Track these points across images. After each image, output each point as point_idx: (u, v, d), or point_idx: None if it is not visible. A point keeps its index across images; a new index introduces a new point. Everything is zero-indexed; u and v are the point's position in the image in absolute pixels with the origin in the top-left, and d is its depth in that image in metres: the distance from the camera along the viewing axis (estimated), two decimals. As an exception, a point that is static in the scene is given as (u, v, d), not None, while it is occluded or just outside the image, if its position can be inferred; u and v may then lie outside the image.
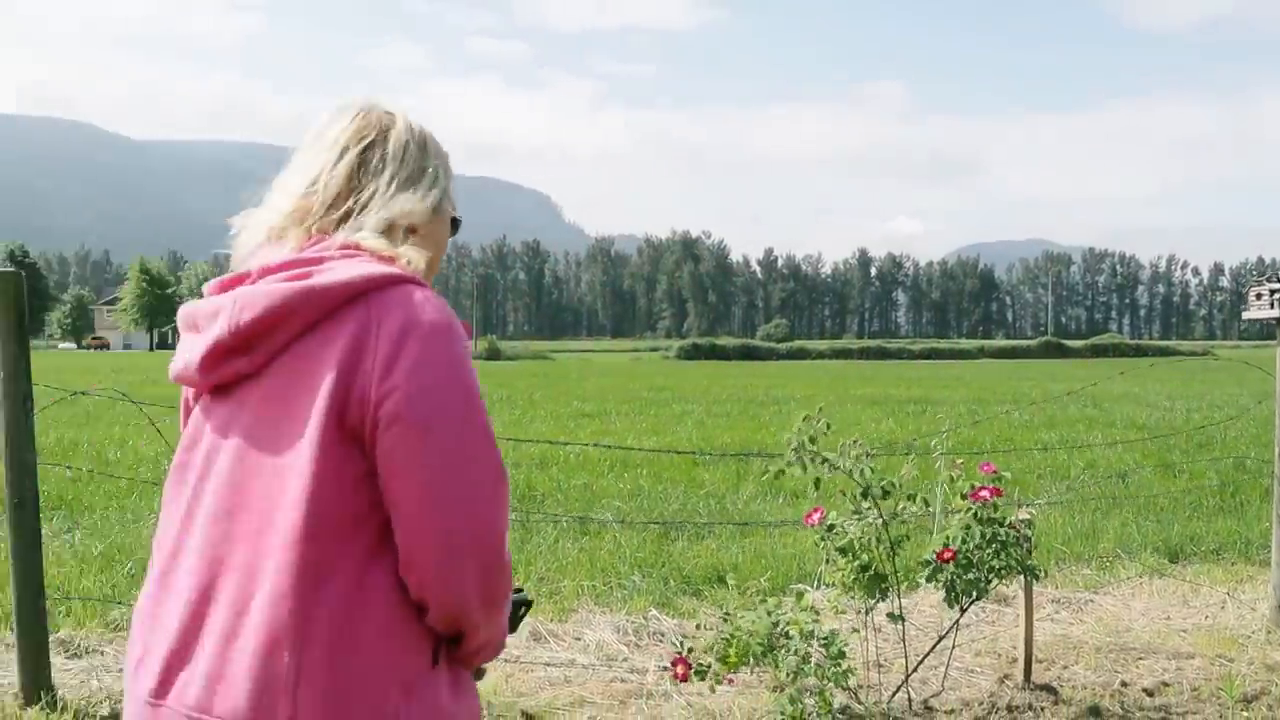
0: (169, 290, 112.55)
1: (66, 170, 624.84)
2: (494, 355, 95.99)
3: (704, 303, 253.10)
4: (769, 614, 3.95)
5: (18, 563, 3.92)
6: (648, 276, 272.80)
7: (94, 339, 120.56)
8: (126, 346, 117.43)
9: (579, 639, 5.04)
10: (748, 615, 4.08)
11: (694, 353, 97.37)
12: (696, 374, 43.89)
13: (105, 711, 3.93)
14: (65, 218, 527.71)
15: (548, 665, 4.61)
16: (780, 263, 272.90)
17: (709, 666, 3.90)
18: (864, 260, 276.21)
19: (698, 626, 4.30)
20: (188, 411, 1.57)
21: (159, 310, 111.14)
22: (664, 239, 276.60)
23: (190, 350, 1.48)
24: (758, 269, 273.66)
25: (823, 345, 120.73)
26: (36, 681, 3.93)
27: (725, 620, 4.00)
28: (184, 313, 1.53)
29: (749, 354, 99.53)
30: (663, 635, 5.13)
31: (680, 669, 3.83)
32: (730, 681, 3.96)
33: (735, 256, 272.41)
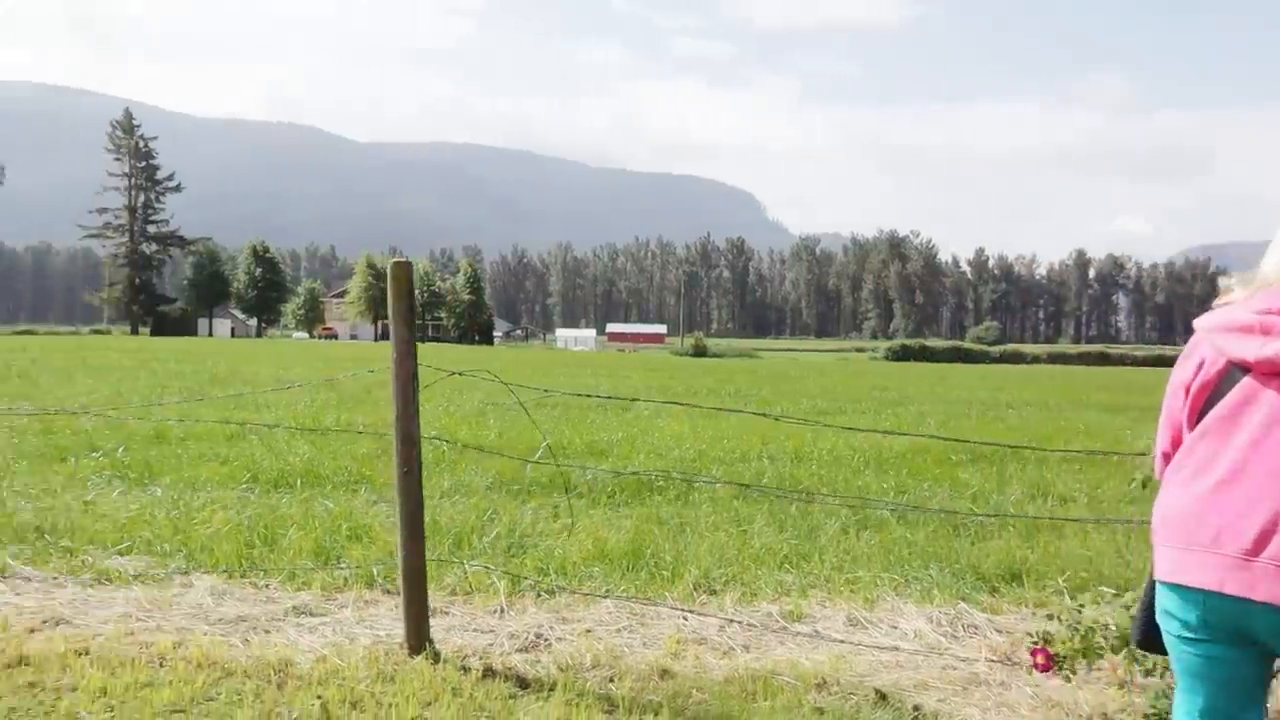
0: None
1: (298, 171, 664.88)
2: (700, 352, 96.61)
3: (911, 303, 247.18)
4: (1126, 609, 3.93)
5: (405, 526, 4.27)
6: (853, 275, 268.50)
7: (324, 329, 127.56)
8: (352, 337, 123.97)
9: (895, 627, 5.09)
10: (1098, 609, 4.05)
11: (902, 354, 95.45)
12: (914, 375, 42.97)
13: (475, 663, 4.23)
14: (296, 215, 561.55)
15: (873, 649, 4.69)
16: (991, 263, 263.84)
17: (1065, 658, 3.90)
18: (1081, 261, 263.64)
19: (1053, 619, 4.26)
20: (1186, 392, 2.35)
21: (382, 303, 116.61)
22: (870, 238, 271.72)
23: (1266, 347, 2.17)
24: (968, 269, 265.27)
25: (1038, 349, 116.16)
26: (419, 633, 4.28)
27: (1078, 612, 3.99)
28: (1236, 319, 2.25)
29: (960, 356, 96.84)
30: (976, 627, 5.13)
31: (1040, 659, 3.84)
32: (1074, 672, 3.95)
33: (944, 256, 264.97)
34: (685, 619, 5.07)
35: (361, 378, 20.62)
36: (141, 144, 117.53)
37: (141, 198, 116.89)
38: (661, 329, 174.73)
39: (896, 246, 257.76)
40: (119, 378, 20.86)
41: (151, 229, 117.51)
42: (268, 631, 4.63)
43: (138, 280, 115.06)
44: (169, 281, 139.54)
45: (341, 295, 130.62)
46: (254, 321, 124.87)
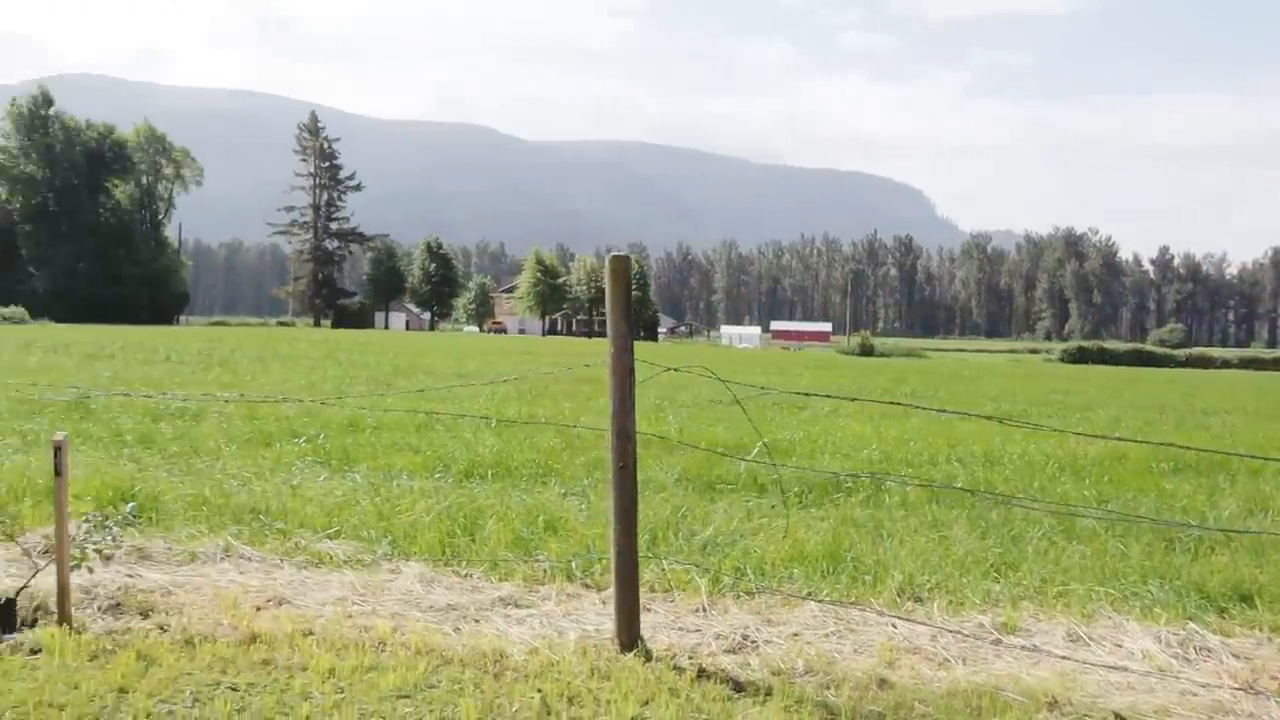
0: (559, 280, 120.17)
1: (468, 170, 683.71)
2: (867, 351, 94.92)
3: (1088, 303, 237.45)
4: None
5: (618, 522, 4.25)
6: (1026, 274, 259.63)
7: (494, 323, 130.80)
8: (520, 331, 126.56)
9: (1119, 646, 4.80)
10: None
11: (1079, 356, 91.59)
12: (1095, 378, 41.14)
13: (686, 663, 4.17)
14: (467, 213, 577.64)
15: (1100, 668, 4.43)
16: (1177, 261, 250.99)
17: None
18: (1277, 260, 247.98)
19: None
20: None
21: (550, 299, 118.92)
22: (1045, 235, 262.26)
23: None
24: (1150, 268, 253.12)
25: (1228, 353, 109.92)
26: (631, 631, 4.24)
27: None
28: None
29: (1142, 359, 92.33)
30: (1209, 650, 4.79)
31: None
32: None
33: (1124, 255, 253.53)
34: (894, 626, 4.90)
35: (538, 373, 20.95)
36: (325, 145, 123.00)
37: (325, 196, 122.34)
38: (826, 327, 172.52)
39: (1073, 244, 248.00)
40: (309, 367, 21.77)
41: (333, 226, 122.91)
42: (477, 621, 4.68)
43: (320, 275, 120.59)
44: (348, 276, 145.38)
45: (511, 290, 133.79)
46: (427, 315, 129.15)
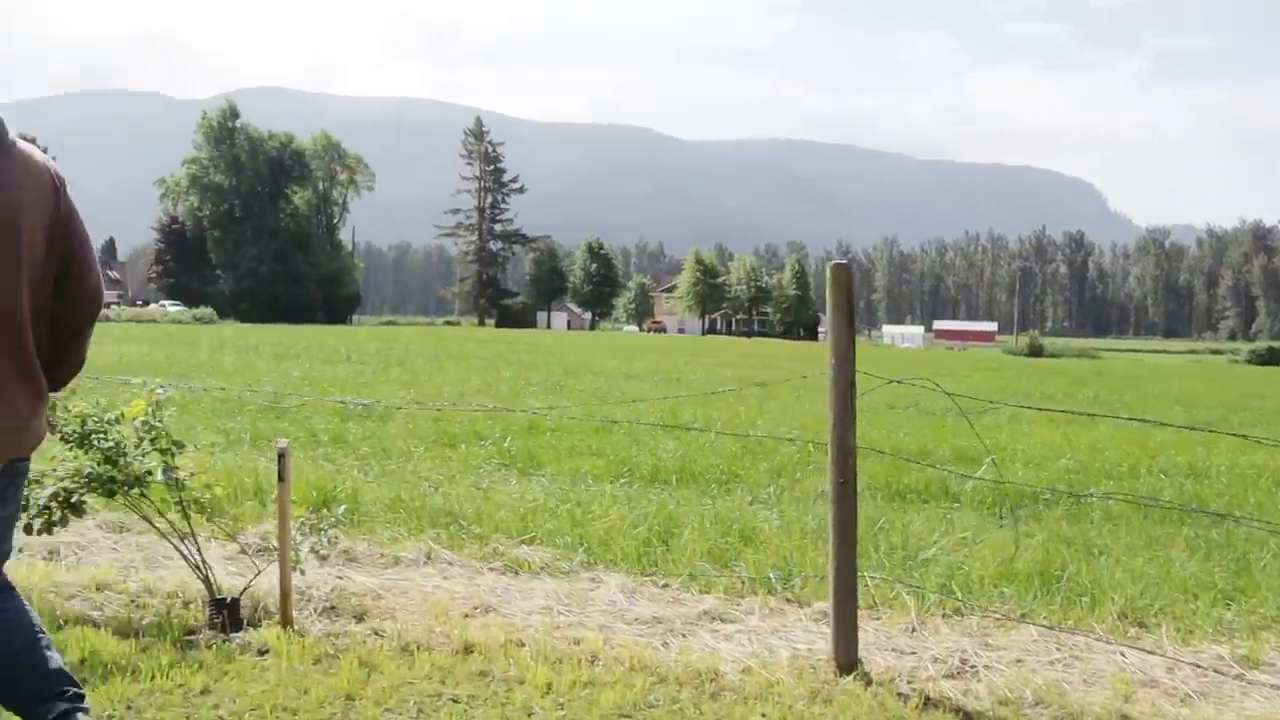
0: (719, 280, 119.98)
1: (626, 172, 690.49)
2: (1035, 352, 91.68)
3: (1278, 301, 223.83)
4: None
5: (837, 537, 4.10)
6: (1208, 271, 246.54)
7: (653, 323, 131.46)
8: (680, 330, 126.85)
9: (1385, 685, 4.39)
10: None
11: (1269, 357, 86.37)
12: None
13: (906, 689, 3.99)
14: (625, 214, 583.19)
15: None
16: None
17: None
18: None
19: None
20: None
21: (710, 298, 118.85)
22: (1229, 229, 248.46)
23: None
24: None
25: None
26: (849, 652, 4.09)
27: None
28: None
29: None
30: None
31: None
32: None
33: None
34: (1123, 655, 4.59)
35: (752, 383, 20.88)
36: (490, 149, 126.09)
37: (489, 199, 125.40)
38: (991, 327, 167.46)
39: (1261, 238, 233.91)
40: (482, 368, 22.23)
41: (497, 228, 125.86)
42: (684, 635, 4.59)
43: (485, 275, 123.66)
44: (510, 276, 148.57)
45: (670, 290, 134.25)
46: (588, 315, 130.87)
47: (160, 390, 4.64)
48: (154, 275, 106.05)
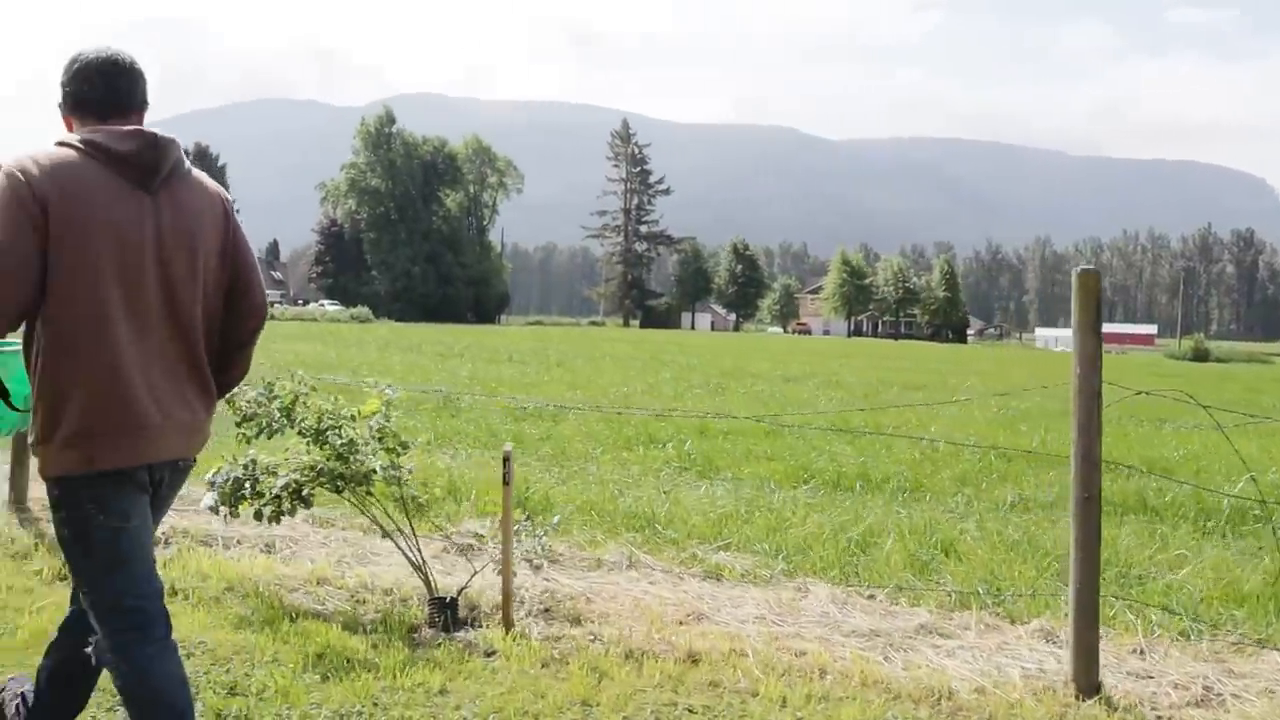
0: (866, 281, 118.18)
1: (771, 172, 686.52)
2: (1201, 356, 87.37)
3: None
4: None
5: (1080, 552, 3.94)
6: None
7: (798, 324, 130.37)
8: (825, 332, 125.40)
9: None
10: None
11: None
12: None
13: (1150, 715, 3.80)
14: (769, 214, 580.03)
15: None
16: None
17: None
18: None
19: None
20: None
21: (856, 300, 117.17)
22: None
23: None
24: None
25: None
26: (1090, 674, 3.92)
27: None
28: None
29: None
30: None
31: None
32: None
33: None
34: (1385, 688, 4.28)
35: (856, 379, 20.54)
36: (636, 151, 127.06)
37: (635, 200, 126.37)
38: (1151, 329, 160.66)
39: None
40: (641, 369, 22.33)
41: (643, 229, 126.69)
42: (905, 650, 4.47)
43: (630, 276, 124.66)
44: (654, 277, 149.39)
45: (815, 291, 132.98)
46: (732, 316, 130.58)
47: (389, 391, 4.77)
48: (314, 275, 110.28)
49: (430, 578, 4.71)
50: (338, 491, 4.69)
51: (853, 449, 10.24)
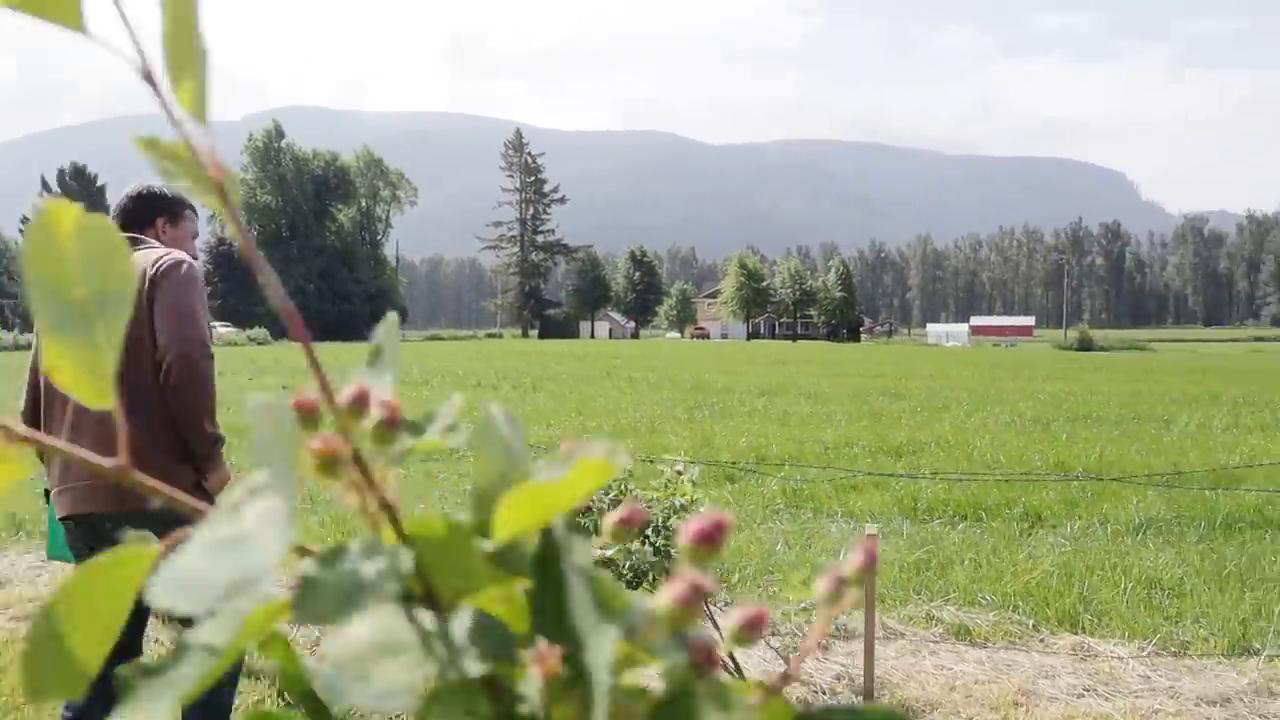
0: (763, 284, 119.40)
1: (655, 177, 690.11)
2: (1086, 345, 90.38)
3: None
4: None
5: None
6: (1249, 257, 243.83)
7: (696, 329, 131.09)
8: (723, 336, 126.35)
9: None
10: None
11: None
12: None
13: None
14: (655, 220, 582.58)
15: None
16: None
17: None
18: None
19: None
20: None
21: (755, 303, 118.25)
22: (1269, 214, 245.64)
23: None
24: None
25: None
26: None
27: None
28: None
29: None
30: None
31: None
32: None
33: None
34: None
35: (832, 390, 20.33)
36: (530, 160, 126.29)
37: (531, 210, 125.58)
38: (1029, 321, 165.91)
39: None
40: (620, 389, 21.70)
41: (539, 239, 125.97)
42: None
43: (527, 287, 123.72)
44: (549, 287, 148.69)
45: (712, 296, 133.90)
46: (630, 323, 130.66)
47: (683, 465, 4.30)
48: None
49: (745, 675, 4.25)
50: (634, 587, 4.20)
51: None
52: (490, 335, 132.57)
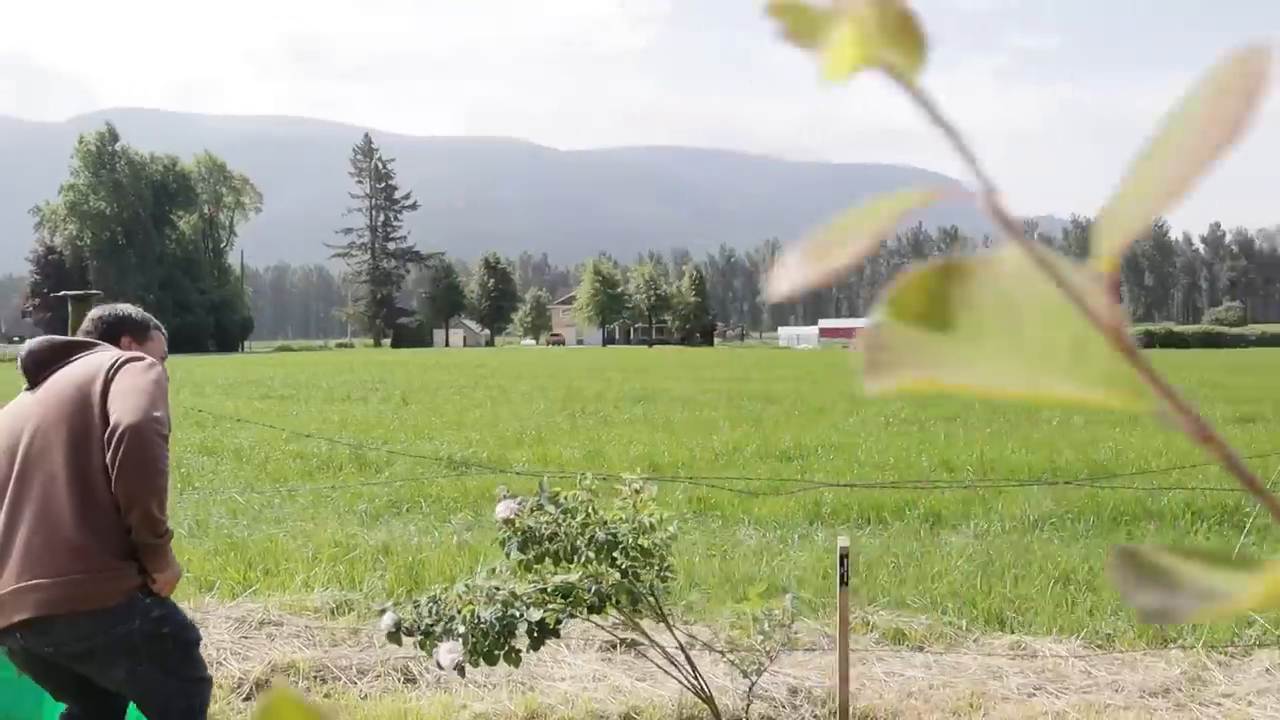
0: (618, 290, 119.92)
1: (504, 183, 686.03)
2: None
3: (1139, 285, 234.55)
4: None
5: None
6: (1075, 260, 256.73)
7: (552, 336, 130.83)
8: (579, 342, 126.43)
9: None
10: None
11: (1147, 342, 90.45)
12: (1199, 367, 38.43)
13: None
14: (506, 226, 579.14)
15: None
16: (1229, 238, 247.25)
17: None
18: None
19: None
20: None
21: (610, 309, 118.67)
22: (1092, 219, 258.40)
23: None
24: (1201, 247, 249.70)
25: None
26: None
27: None
28: None
29: (1211, 341, 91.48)
30: None
31: None
32: None
33: (1174, 234, 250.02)
34: None
35: (717, 393, 20.49)
36: (380, 166, 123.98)
37: (381, 217, 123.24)
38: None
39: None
40: (491, 398, 21.42)
41: (390, 246, 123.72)
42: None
43: (379, 295, 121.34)
44: (400, 295, 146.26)
45: (567, 302, 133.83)
46: (485, 331, 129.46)
47: (640, 484, 4.20)
48: (29, 309, 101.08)
49: (714, 700, 4.17)
50: (597, 611, 4.07)
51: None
52: (341, 345, 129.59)
